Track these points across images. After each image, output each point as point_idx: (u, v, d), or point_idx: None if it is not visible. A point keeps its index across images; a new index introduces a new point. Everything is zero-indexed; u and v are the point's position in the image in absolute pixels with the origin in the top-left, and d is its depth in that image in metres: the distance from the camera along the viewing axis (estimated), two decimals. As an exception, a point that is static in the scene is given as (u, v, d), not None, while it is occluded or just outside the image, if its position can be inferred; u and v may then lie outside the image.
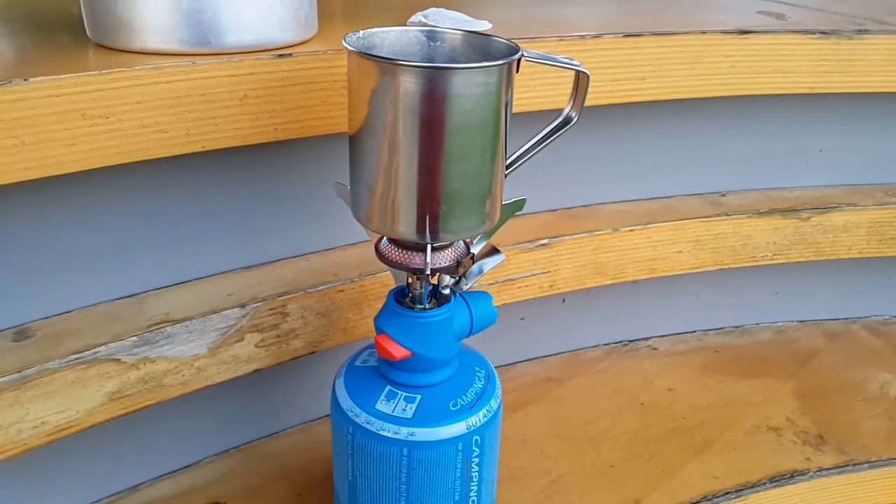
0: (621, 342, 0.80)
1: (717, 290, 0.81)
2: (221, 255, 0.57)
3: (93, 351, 0.48)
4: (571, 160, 0.69)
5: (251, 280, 0.56)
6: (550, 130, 0.45)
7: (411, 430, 0.47)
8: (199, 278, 0.56)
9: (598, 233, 0.66)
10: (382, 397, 0.48)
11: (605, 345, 0.80)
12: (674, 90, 0.62)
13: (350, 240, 0.62)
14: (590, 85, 0.45)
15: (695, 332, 0.82)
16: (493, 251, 0.50)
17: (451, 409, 0.48)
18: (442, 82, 0.38)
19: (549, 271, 0.65)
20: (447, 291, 0.48)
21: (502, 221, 0.48)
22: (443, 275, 0.48)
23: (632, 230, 0.67)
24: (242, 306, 0.53)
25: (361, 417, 0.47)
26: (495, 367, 0.52)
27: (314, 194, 0.58)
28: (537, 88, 0.57)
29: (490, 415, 0.49)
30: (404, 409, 0.47)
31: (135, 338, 0.49)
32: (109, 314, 0.52)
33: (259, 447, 0.63)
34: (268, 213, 0.57)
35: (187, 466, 0.61)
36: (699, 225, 0.69)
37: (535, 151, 0.46)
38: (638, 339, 0.80)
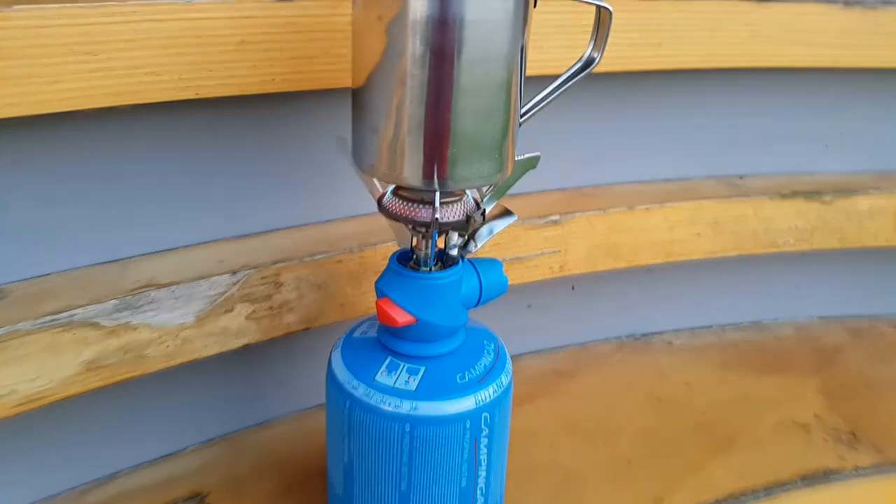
0: (633, 335, 0.76)
1: (735, 282, 0.77)
2: (213, 221, 0.53)
3: (69, 313, 0.44)
4: (582, 137, 0.66)
5: (244, 248, 0.52)
6: (571, 74, 0.42)
7: (415, 403, 0.42)
8: (189, 245, 0.52)
9: (612, 210, 0.62)
10: (383, 369, 0.44)
11: (616, 338, 0.75)
12: (691, 58, 0.59)
13: (350, 212, 0.58)
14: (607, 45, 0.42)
15: (711, 326, 0.78)
16: (505, 212, 0.47)
17: (459, 382, 0.44)
18: (455, 4, 0.35)
19: (559, 251, 0.62)
20: (455, 252, 0.44)
21: (515, 178, 0.44)
22: (450, 234, 0.44)
23: (648, 209, 0.63)
24: (233, 273, 0.49)
25: (360, 390, 0.43)
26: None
27: (314, 160, 0.55)
28: (549, 50, 0.54)
29: (500, 391, 0.45)
30: (407, 382, 0.43)
31: (115, 301, 0.45)
32: (90, 277, 0.48)
33: (247, 436, 0.59)
34: (263, 179, 0.54)
35: (169, 455, 0.56)
36: (718, 206, 0.66)
37: (553, 97, 0.42)
38: (652, 333, 0.76)
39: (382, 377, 0.44)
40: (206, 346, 0.50)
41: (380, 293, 0.44)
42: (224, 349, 0.50)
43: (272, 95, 0.47)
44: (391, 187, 0.43)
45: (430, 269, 0.44)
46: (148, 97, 0.42)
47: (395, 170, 0.39)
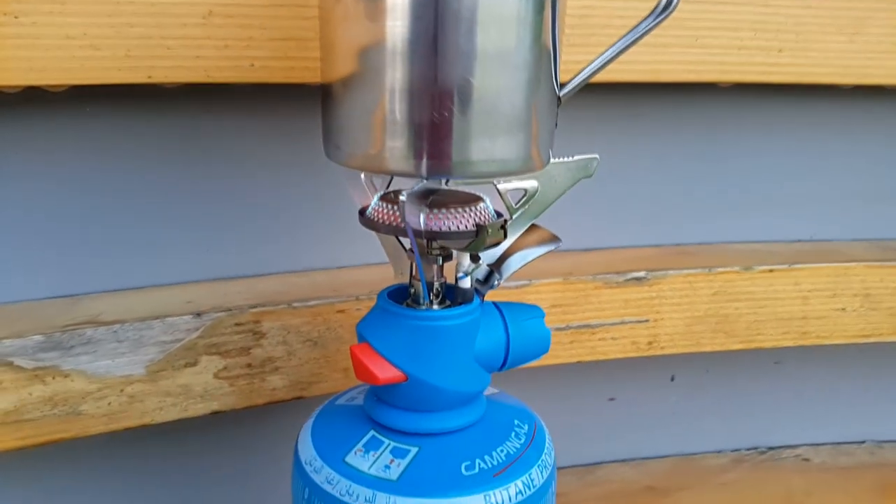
0: (757, 448, 0.58)
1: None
2: (194, 257, 0.43)
3: (-23, 347, 0.35)
4: (675, 178, 0.51)
5: (225, 290, 0.42)
6: (649, 21, 0.30)
7: (394, 499, 0.29)
8: (162, 284, 0.42)
9: (719, 270, 0.47)
10: (359, 446, 0.31)
11: (733, 450, 0.57)
12: (823, 70, 0.45)
13: (372, 258, 0.46)
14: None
15: (864, 442, 0.58)
16: (548, 238, 0.33)
17: (464, 473, 0.30)
18: None
19: (647, 320, 0.47)
20: (467, 285, 0.31)
21: (561, 189, 0.32)
22: (461, 258, 0.31)
23: (772, 271, 0.48)
24: (197, 315, 0.38)
25: (322, 474, 0.30)
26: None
27: (323, 187, 0.44)
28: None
29: (531, 492, 0.30)
30: (388, 467, 0.30)
31: (41, 337, 0.36)
32: (25, 311, 0.39)
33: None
34: (259, 208, 0.43)
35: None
36: (869, 272, 0.49)
37: (618, 53, 0.30)
38: (781, 447, 0.58)
39: (356, 458, 0.30)
40: (161, 409, 0.38)
41: (360, 338, 0.31)
42: (186, 415, 0.39)
43: (257, 89, 0.37)
44: (379, 193, 0.31)
45: (429, 304, 0.31)
46: (85, 76, 0.34)
47: (368, 148, 0.27)
